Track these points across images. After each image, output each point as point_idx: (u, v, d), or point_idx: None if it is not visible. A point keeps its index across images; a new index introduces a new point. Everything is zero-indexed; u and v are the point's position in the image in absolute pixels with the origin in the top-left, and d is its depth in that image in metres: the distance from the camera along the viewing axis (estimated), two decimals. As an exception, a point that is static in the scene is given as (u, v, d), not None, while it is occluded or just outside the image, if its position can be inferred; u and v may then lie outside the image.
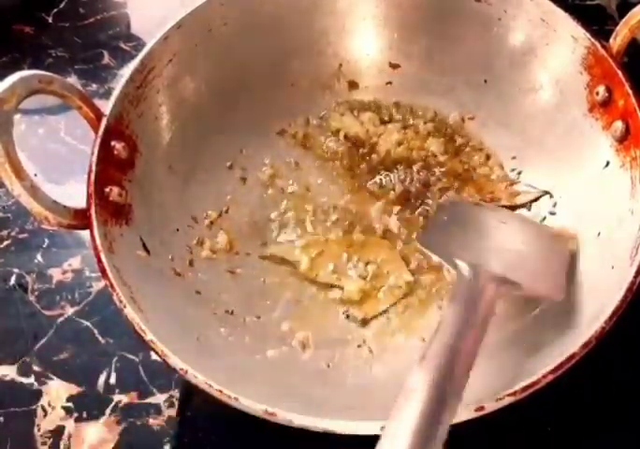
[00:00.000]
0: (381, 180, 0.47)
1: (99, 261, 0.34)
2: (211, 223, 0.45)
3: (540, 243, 0.39)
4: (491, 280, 0.34)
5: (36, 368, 0.44)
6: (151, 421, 0.41)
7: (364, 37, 0.49)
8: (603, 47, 0.39)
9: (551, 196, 0.44)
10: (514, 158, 0.46)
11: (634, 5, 0.39)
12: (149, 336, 0.32)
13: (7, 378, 0.43)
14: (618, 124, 0.38)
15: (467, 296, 0.33)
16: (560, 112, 0.43)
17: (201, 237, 0.44)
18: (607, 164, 0.39)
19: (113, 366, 0.43)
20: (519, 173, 0.46)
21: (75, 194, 0.37)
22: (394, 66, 0.49)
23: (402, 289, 0.42)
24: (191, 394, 0.42)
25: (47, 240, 0.49)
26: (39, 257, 0.49)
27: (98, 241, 0.35)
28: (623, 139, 0.38)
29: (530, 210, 0.44)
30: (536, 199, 0.44)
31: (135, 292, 0.34)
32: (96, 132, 0.38)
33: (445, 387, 0.28)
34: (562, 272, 0.38)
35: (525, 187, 0.45)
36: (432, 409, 0.27)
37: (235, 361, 0.38)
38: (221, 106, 0.46)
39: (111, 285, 0.34)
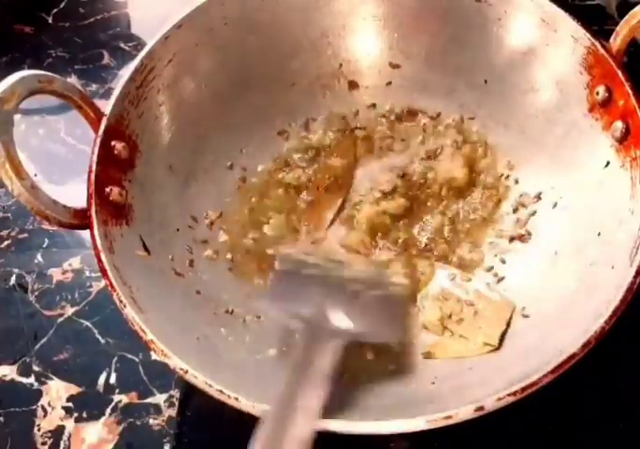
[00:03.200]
0: None
1: (99, 261, 0.34)
2: (211, 223, 0.45)
3: (375, 294, 0.39)
4: (328, 335, 0.34)
5: (36, 368, 0.44)
6: (151, 421, 0.41)
7: (364, 37, 0.49)
8: (604, 47, 0.39)
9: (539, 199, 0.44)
10: (514, 158, 0.46)
11: (634, 5, 0.39)
12: (149, 336, 0.32)
13: (7, 378, 0.43)
14: (619, 124, 0.38)
15: (303, 357, 0.33)
16: (561, 112, 0.43)
17: (201, 237, 0.44)
18: (607, 164, 0.39)
19: (113, 366, 0.44)
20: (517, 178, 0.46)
21: (75, 194, 0.38)
22: (394, 66, 0.49)
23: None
24: (191, 394, 0.42)
25: (47, 240, 0.49)
26: (39, 257, 0.49)
27: (98, 241, 0.35)
28: (623, 139, 0.38)
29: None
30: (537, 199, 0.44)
31: (135, 292, 0.34)
32: (97, 132, 0.38)
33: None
34: (399, 318, 0.39)
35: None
36: None
37: (235, 361, 0.38)
38: (221, 106, 0.46)
39: (111, 285, 0.34)
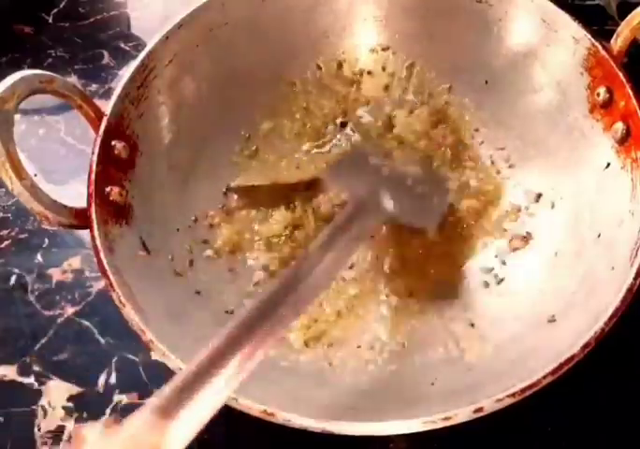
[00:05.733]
0: None
1: (99, 261, 0.34)
2: (211, 223, 0.45)
3: (423, 187, 0.43)
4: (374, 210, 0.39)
5: (36, 368, 0.44)
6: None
7: (364, 38, 0.49)
8: (605, 48, 0.39)
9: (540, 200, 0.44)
10: (514, 158, 0.46)
11: (635, 5, 0.39)
12: (149, 336, 0.32)
13: (7, 378, 0.43)
14: (619, 126, 0.38)
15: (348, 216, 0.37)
16: (561, 113, 0.43)
17: (201, 237, 0.44)
18: (608, 165, 0.39)
19: (113, 366, 0.43)
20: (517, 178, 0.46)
21: (75, 194, 0.38)
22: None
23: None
24: (191, 394, 0.42)
25: (47, 240, 0.49)
26: (39, 257, 0.49)
27: (98, 241, 0.35)
28: (624, 141, 0.38)
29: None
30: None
31: (135, 292, 0.34)
32: (97, 132, 0.38)
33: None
34: (439, 212, 0.43)
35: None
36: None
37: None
38: (221, 106, 0.46)
39: (111, 285, 0.34)
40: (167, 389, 0.24)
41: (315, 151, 0.49)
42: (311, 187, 0.47)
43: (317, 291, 0.33)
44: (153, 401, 0.24)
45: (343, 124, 0.49)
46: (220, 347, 0.27)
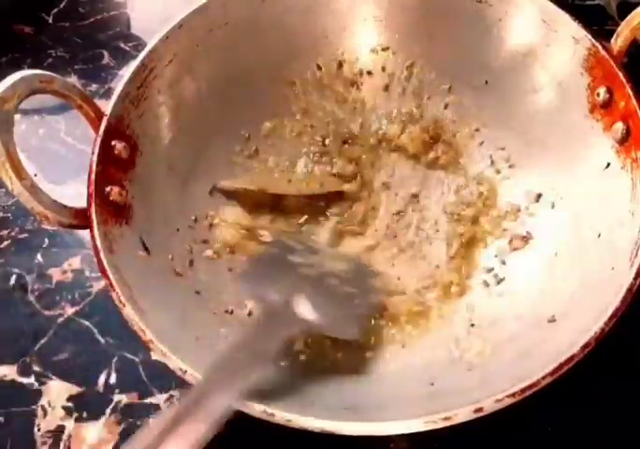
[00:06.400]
0: None
1: (99, 261, 0.34)
2: (211, 223, 0.45)
3: (347, 287, 0.41)
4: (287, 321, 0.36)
5: (36, 368, 0.44)
6: (151, 421, 0.41)
7: (364, 38, 0.49)
8: (605, 48, 0.39)
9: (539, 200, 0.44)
10: (514, 158, 0.46)
11: (635, 5, 0.39)
12: (149, 336, 0.32)
13: (7, 378, 0.43)
14: (619, 126, 0.38)
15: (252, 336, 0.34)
16: (561, 113, 0.43)
17: (201, 237, 0.44)
18: (608, 165, 0.39)
19: (113, 366, 0.44)
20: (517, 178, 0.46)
21: (75, 194, 0.38)
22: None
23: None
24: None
25: (47, 240, 0.49)
26: (39, 257, 0.49)
27: (98, 241, 0.35)
28: (624, 141, 0.38)
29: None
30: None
31: (135, 292, 0.34)
32: (97, 132, 0.38)
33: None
34: (362, 318, 0.40)
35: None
36: None
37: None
38: (221, 106, 0.46)
39: (111, 285, 0.34)
40: None
41: (311, 166, 0.48)
42: (290, 210, 0.46)
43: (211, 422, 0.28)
44: None
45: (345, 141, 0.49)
46: None
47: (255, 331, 0.35)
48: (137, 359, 0.44)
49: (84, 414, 0.42)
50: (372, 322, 0.41)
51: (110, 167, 0.38)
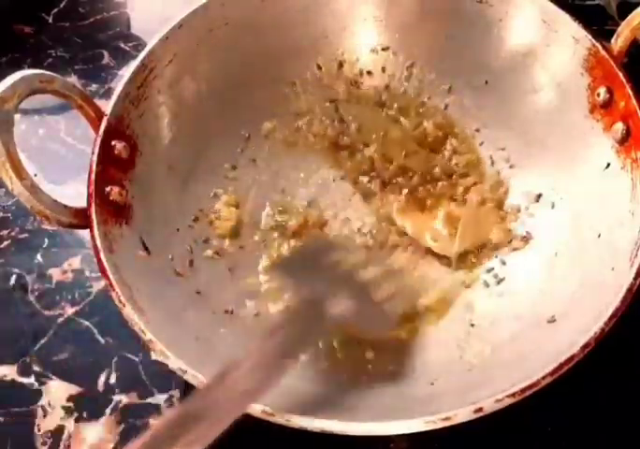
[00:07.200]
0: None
1: (99, 261, 0.34)
2: (211, 223, 0.45)
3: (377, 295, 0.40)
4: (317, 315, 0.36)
5: (36, 368, 0.44)
6: (151, 421, 0.41)
7: (365, 38, 0.49)
8: (605, 48, 0.39)
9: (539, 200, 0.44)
10: (514, 158, 0.46)
11: (635, 5, 0.39)
12: (149, 336, 0.32)
13: (7, 378, 0.43)
14: (619, 126, 0.38)
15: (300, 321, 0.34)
16: (561, 113, 0.43)
17: (202, 236, 0.44)
18: (608, 165, 0.39)
19: (113, 366, 0.43)
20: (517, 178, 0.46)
21: (75, 194, 0.38)
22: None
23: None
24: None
25: (47, 240, 0.49)
26: (39, 257, 0.49)
27: (98, 241, 0.35)
28: (624, 141, 0.38)
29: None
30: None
31: (135, 292, 0.34)
32: (97, 132, 0.38)
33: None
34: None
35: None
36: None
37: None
38: (221, 106, 0.46)
39: (111, 285, 0.34)
40: None
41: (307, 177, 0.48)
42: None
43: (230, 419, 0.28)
44: None
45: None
46: None
47: (286, 332, 0.33)
48: (137, 359, 0.44)
49: (84, 414, 0.42)
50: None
51: (110, 167, 0.38)
